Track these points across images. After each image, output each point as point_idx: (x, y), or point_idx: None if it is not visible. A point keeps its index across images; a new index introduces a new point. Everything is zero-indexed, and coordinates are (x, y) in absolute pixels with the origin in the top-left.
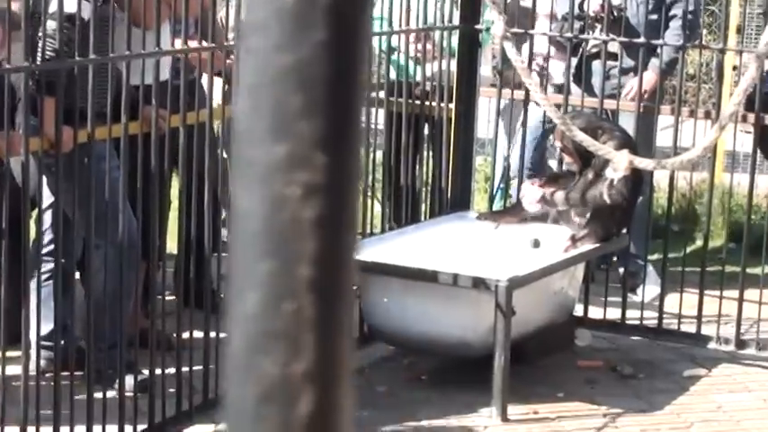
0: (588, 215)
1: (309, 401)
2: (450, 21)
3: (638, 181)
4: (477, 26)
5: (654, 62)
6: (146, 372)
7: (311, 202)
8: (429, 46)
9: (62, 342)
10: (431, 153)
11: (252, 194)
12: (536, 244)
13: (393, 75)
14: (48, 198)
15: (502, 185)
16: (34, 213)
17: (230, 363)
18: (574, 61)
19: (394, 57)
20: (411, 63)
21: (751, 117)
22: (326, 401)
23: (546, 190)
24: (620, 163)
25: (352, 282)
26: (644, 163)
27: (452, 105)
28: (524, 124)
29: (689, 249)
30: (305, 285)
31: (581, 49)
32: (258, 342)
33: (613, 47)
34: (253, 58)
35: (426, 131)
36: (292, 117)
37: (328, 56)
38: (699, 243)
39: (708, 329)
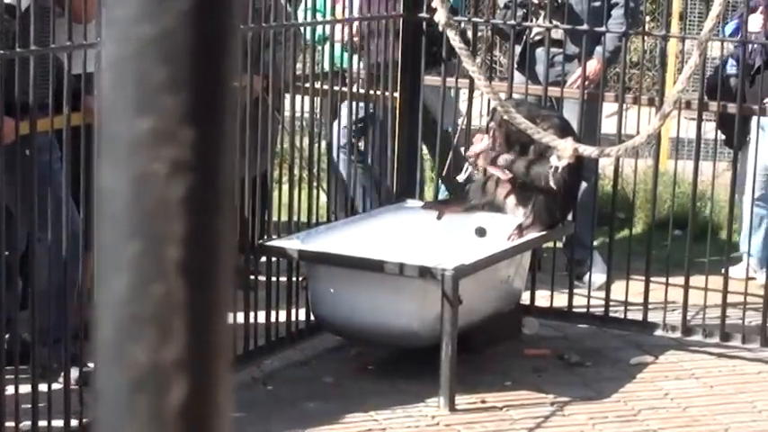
0: (532, 203)
1: (181, 390)
2: (395, 9)
3: (579, 168)
4: (421, 14)
5: (598, 50)
6: (91, 365)
7: (178, 179)
8: (360, 34)
9: (6, 336)
10: (375, 143)
11: (116, 172)
12: (481, 233)
13: (335, 64)
14: None
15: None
16: None
17: (99, 350)
18: (518, 49)
19: (335, 47)
20: (347, 53)
21: (695, 104)
22: (200, 389)
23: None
24: (565, 150)
25: (226, 263)
26: (588, 150)
27: (396, 94)
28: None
29: (634, 237)
30: (174, 267)
31: (524, 37)
32: (127, 328)
33: (557, 34)
34: (114, 30)
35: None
36: (156, 90)
37: (193, 25)
38: (644, 230)
39: (654, 316)
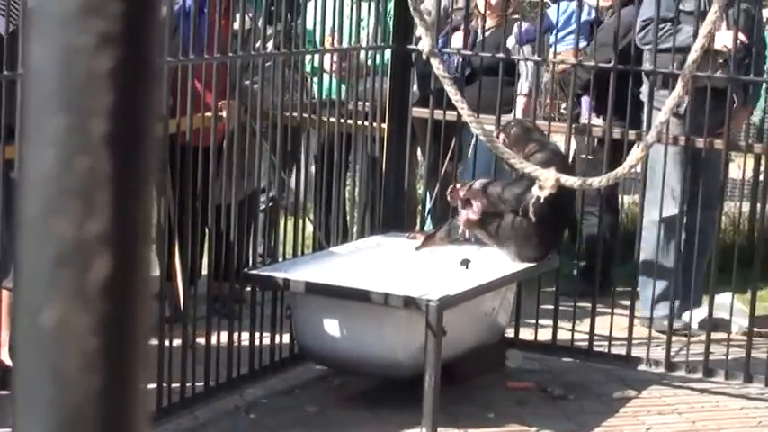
0: (516, 237)
1: (105, 264)
2: (384, 40)
3: (569, 201)
4: (410, 45)
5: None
6: None
7: (106, 52)
8: (350, 64)
9: None
10: (361, 173)
11: (44, 45)
12: (467, 264)
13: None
14: None
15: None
16: None
17: (23, 224)
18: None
19: (324, 77)
20: (336, 82)
21: (682, 139)
22: (122, 264)
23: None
24: (546, 181)
25: (151, 137)
26: (570, 181)
27: (384, 125)
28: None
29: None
30: (100, 141)
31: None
32: (52, 202)
33: None
34: None
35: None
36: None
37: None
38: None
39: (638, 351)
